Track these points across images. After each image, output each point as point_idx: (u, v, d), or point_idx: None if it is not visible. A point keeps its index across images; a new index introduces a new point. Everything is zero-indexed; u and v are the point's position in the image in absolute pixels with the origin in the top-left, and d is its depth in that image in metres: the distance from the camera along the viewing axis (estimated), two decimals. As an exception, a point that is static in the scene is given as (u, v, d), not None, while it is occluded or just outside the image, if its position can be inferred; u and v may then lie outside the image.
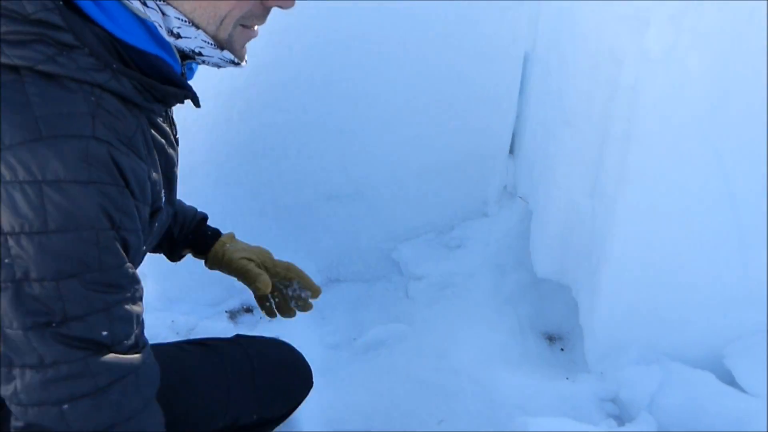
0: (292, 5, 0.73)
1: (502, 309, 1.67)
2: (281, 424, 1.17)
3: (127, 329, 0.67)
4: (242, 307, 2.00)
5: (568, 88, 1.33)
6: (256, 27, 0.75)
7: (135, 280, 0.69)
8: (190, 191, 1.75)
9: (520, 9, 1.67)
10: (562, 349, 1.53)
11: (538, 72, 1.68)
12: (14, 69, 0.60)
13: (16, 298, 0.60)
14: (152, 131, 0.75)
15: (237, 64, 0.76)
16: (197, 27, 0.69)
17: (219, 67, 0.76)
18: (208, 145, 1.78)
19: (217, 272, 1.35)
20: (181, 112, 1.00)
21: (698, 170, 1.12)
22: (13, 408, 0.64)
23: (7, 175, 0.58)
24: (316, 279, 1.98)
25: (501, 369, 1.38)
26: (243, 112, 1.76)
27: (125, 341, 0.67)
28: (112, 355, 0.65)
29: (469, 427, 1.23)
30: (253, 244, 1.81)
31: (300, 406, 1.15)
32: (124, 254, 0.66)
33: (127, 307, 0.66)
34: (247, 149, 1.82)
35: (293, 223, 1.94)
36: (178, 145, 0.88)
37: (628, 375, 1.25)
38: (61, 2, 0.62)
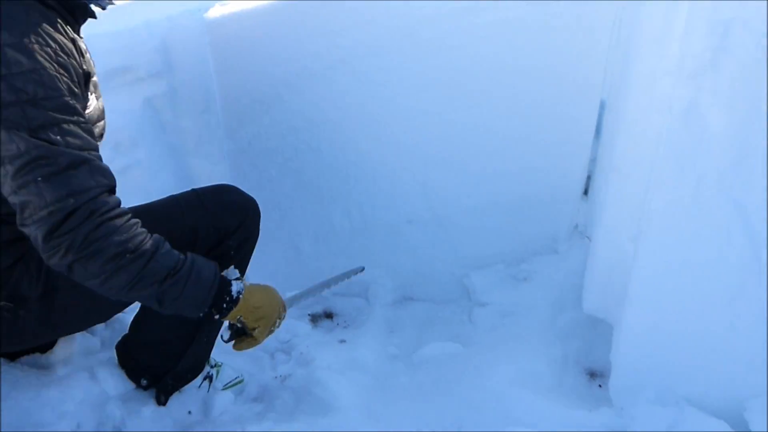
0: None
1: (552, 342, 1.74)
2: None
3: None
4: (324, 313, 2.24)
5: (619, 135, 1.42)
6: None
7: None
8: (295, 207, 2.04)
9: (596, 55, 1.76)
10: (600, 386, 1.58)
11: (609, 118, 1.76)
12: None
13: None
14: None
15: None
16: None
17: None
18: (313, 169, 2.06)
19: (312, 280, 1.83)
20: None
21: (721, 222, 1.17)
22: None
23: None
24: (392, 296, 2.19)
25: (528, 393, 1.47)
26: (338, 143, 2.02)
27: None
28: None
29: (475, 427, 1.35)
30: (343, 257, 2.09)
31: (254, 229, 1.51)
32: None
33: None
34: (344, 172, 2.06)
35: (378, 241, 2.15)
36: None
37: (642, 412, 1.29)
38: None
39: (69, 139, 1.07)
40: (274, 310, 1.40)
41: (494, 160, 1.98)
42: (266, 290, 1.41)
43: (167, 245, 1.19)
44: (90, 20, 1.32)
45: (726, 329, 1.24)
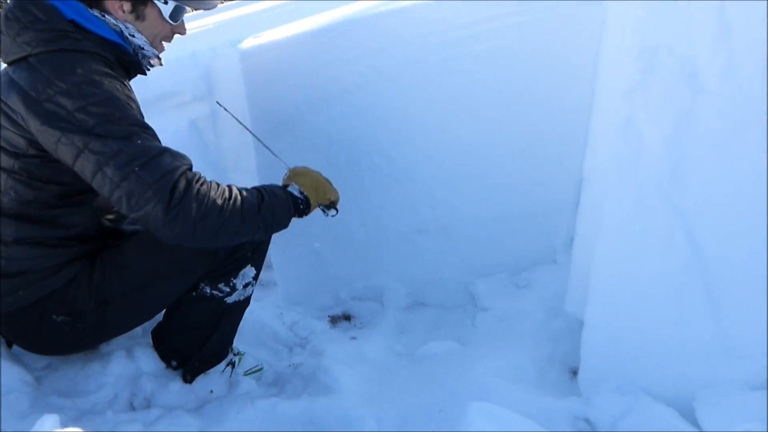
0: (185, 33, 1.64)
1: (542, 342, 1.88)
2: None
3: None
4: (342, 315, 2.43)
5: (586, 148, 1.57)
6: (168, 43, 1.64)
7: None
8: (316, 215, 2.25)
9: (585, 77, 1.90)
10: (580, 383, 1.70)
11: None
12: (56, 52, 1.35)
13: None
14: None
15: (158, 58, 1.61)
16: (141, 35, 1.52)
17: (150, 60, 1.61)
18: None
19: (332, 284, 2.26)
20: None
21: (663, 225, 1.31)
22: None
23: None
24: (404, 301, 2.37)
25: (506, 382, 1.62)
26: (354, 159, 2.23)
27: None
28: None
29: (454, 410, 1.50)
30: (360, 263, 2.30)
31: None
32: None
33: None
34: (359, 185, 2.27)
35: (391, 249, 2.34)
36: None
37: (603, 400, 1.42)
38: (71, 21, 1.39)
39: (147, 142, 1.37)
40: (320, 180, 1.73)
41: (497, 175, 2.14)
42: (304, 175, 1.73)
43: (238, 187, 1.50)
44: None
45: (673, 325, 1.36)
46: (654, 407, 1.36)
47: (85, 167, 1.35)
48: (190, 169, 1.42)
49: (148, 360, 1.85)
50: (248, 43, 2.26)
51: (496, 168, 2.13)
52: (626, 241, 1.35)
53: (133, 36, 1.52)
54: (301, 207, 1.61)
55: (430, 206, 2.23)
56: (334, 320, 2.40)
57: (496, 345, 1.91)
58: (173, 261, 1.60)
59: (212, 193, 1.39)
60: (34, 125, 1.35)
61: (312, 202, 1.65)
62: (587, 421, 1.44)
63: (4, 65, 1.46)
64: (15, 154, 1.43)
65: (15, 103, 1.37)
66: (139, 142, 1.34)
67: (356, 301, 2.44)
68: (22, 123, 1.38)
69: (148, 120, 1.47)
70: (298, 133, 2.27)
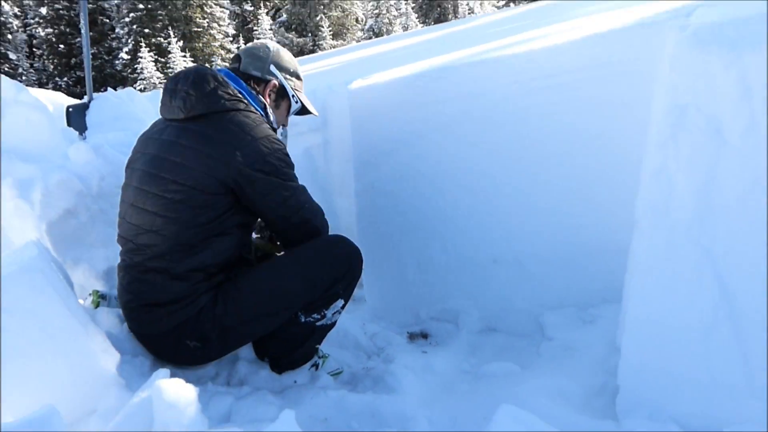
0: (287, 126, 2.31)
1: (597, 374, 1.97)
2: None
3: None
4: (420, 333, 2.66)
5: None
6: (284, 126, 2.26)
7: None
8: (403, 240, 2.54)
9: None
10: (621, 410, 1.80)
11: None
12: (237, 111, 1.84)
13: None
14: None
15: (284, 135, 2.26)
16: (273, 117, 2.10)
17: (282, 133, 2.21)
18: (418, 210, 2.53)
19: (413, 304, 2.67)
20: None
21: (692, 266, 1.43)
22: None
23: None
24: (477, 325, 2.58)
25: (547, 400, 1.76)
26: (438, 190, 2.48)
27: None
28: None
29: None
30: (440, 286, 2.57)
31: (357, 273, 2.13)
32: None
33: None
34: (442, 214, 2.51)
35: (468, 275, 2.55)
36: None
37: (632, 423, 1.53)
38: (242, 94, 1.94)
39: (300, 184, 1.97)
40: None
41: (569, 214, 2.30)
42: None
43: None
44: None
45: (701, 362, 1.46)
46: (682, 438, 1.46)
47: (273, 199, 1.85)
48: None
49: (246, 349, 2.18)
50: (356, 84, 2.61)
51: (569, 207, 2.29)
52: (658, 280, 1.48)
53: (270, 116, 2.08)
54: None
55: (506, 239, 2.42)
56: (412, 336, 2.63)
57: (553, 371, 2.05)
58: (280, 298, 1.96)
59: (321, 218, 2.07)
60: (223, 168, 1.77)
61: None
62: (616, 445, 1.56)
63: (164, 121, 1.93)
64: (193, 189, 1.81)
65: (207, 146, 1.77)
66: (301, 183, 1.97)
67: (434, 321, 2.65)
68: (214, 165, 1.78)
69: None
70: (393, 164, 2.56)
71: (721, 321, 1.43)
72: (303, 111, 2.25)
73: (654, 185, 1.44)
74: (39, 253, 1.53)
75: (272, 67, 2.06)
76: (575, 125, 2.17)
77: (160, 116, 1.95)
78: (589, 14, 3.99)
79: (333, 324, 2.11)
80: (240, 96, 1.88)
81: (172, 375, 1.96)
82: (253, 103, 1.96)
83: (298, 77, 2.16)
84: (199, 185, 1.76)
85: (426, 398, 2.00)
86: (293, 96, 2.14)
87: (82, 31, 3.32)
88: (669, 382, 1.54)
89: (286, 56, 2.13)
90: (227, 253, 1.89)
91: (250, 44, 2.14)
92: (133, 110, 3.36)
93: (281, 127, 2.22)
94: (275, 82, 2.07)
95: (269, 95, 2.07)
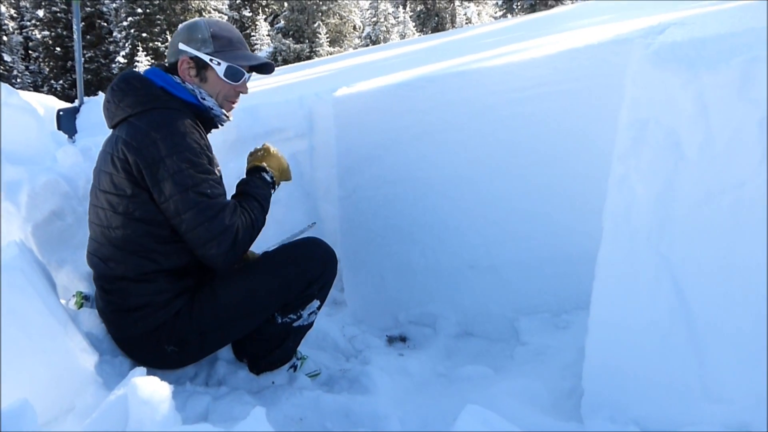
0: (247, 92, 2.02)
1: (567, 378, 2.02)
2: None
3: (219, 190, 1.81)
4: (399, 336, 2.70)
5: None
6: (234, 102, 2.02)
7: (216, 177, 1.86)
8: (383, 244, 2.58)
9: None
10: (588, 414, 1.86)
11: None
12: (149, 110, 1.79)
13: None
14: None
15: (227, 117, 2.00)
16: (211, 97, 1.92)
17: (220, 119, 2.00)
18: (399, 214, 2.59)
19: (393, 308, 2.66)
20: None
21: (651, 272, 1.49)
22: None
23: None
24: (454, 329, 2.62)
25: (517, 402, 1.81)
26: (419, 196, 2.53)
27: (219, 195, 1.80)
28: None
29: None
30: (418, 289, 2.59)
31: (332, 275, 2.10)
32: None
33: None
34: (422, 220, 2.57)
35: (445, 280, 2.61)
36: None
37: (594, 424, 1.59)
38: (161, 87, 1.84)
39: (215, 191, 1.83)
40: (284, 164, 2.16)
41: (545, 222, 2.36)
42: (275, 158, 2.14)
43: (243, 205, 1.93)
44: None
45: (658, 366, 1.51)
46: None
47: (167, 210, 1.77)
48: (235, 210, 1.84)
49: (225, 350, 2.22)
50: (341, 91, 2.66)
51: (545, 215, 2.35)
52: (619, 285, 1.54)
53: (204, 99, 1.92)
54: (272, 191, 2.07)
55: (483, 245, 2.47)
56: (391, 340, 2.67)
57: (524, 374, 2.10)
58: (256, 300, 2.00)
59: (248, 233, 1.88)
60: (136, 169, 1.77)
61: (277, 182, 2.10)
62: (577, 446, 1.61)
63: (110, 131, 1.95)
64: (120, 196, 1.80)
65: (120, 152, 1.80)
66: (209, 191, 1.77)
67: (413, 325, 2.70)
68: (127, 168, 1.80)
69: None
70: (375, 170, 2.61)
71: (677, 326, 1.49)
72: (253, 69, 2.01)
73: (617, 195, 1.50)
74: (20, 252, 1.57)
75: (180, 45, 1.91)
76: (551, 136, 2.24)
77: None
78: (579, 27, 4.07)
79: (310, 325, 2.15)
80: (156, 94, 1.83)
81: (151, 374, 2.04)
82: (180, 93, 1.88)
83: (220, 39, 1.91)
84: (119, 187, 1.81)
85: (399, 399, 2.05)
86: (211, 60, 1.89)
87: (75, 36, 3.37)
88: (629, 385, 1.60)
89: (201, 25, 1.93)
90: (185, 256, 1.91)
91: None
92: (123, 114, 3.41)
93: (231, 103, 2.03)
94: (185, 57, 1.90)
95: (188, 73, 1.91)
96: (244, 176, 2.07)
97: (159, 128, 1.74)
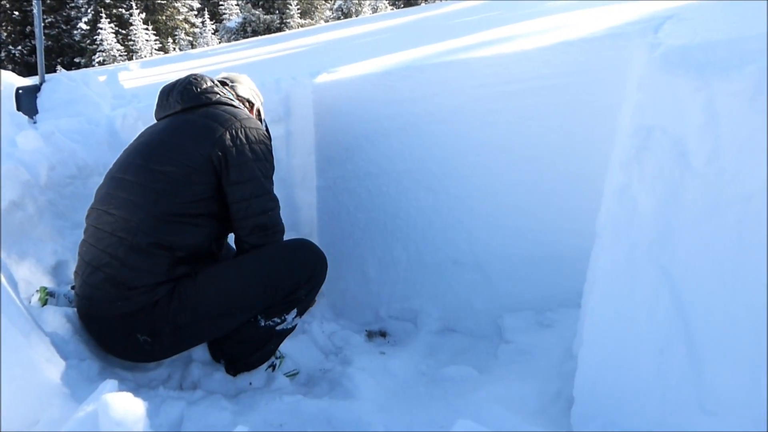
0: None
1: (552, 380, 1.99)
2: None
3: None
4: (379, 332, 2.64)
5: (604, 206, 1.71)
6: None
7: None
8: (365, 238, 2.50)
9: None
10: (575, 419, 1.82)
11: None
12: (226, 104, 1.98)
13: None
14: None
15: None
16: None
17: None
18: (381, 208, 2.50)
19: (373, 302, 2.60)
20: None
21: (650, 283, 1.44)
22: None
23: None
24: (436, 325, 2.56)
25: (504, 409, 1.76)
26: (402, 189, 2.45)
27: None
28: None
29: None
30: (400, 285, 2.53)
31: (320, 280, 2.08)
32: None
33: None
34: (405, 214, 2.49)
35: (428, 275, 2.54)
36: None
37: (584, 436, 1.55)
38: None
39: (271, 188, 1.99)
40: None
41: (530, 219, 2.30)
42: None
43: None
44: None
45: (655, 377, 1.47)
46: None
47: (242, 188, 1.88)
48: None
49: (200, 351, 2.13)
50: (321, 78, 2.55)
51: (531, 212, 2.29)
52: (616, 295, 1.48)
53: None
54: None
55: (467, 241, 2.41)
56: (370, 335, 2.61)
57: (509, 376, 2.06)
58: (238, 300, 1.91)
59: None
60: (202, 152, 1.84)
61: None
62: (570, 455, 1.57)
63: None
64: (186, 167, 1.87)
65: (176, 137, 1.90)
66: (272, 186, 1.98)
67: (393, 320, 2.64)
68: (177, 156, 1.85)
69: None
70: (357, 161, 2.52)
71: (675, 338, 1.44)
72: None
73: (617, 203, 1.44)
74: (-22, 255, 1.44)
75: (253, 97, 2.27)
76: (540, 131, 2.17)
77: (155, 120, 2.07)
78: (556, 12, 3.99)
79: (293, 328, 2.07)
80: (230, 97, 2.05)
81: (122, 379, 1.93)
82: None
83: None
84: (186, 159, 1.83)
85: (382, 403, 1.98)
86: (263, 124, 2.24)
87: (35, 11, 3.15)
88: (623, 396, 1.56)
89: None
90: (196, 240, 1.87)
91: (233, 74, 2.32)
92: (88, 94, 3.23)
93: None
94: (258, 106, 2.27)
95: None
96: None
97: (244, 118, 1.95)
